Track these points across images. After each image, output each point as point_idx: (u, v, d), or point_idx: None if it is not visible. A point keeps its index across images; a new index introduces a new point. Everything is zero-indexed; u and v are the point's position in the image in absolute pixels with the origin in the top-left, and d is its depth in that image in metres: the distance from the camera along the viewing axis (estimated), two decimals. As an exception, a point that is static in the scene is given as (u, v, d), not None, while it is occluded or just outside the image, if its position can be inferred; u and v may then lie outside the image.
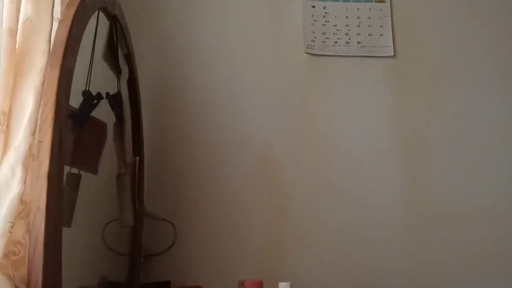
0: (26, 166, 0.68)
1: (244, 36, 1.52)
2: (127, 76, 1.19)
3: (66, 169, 0.89)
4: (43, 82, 0.73)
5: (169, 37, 1.49)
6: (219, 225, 1.40)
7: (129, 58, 1.18)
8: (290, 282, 1.00)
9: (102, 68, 1.05)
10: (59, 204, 0.69)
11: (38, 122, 0.69)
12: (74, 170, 0.89)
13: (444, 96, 1.52)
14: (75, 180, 0.90)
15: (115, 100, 1.03)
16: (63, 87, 0.71)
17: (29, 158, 0.69)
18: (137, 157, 1.28)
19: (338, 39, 1.51)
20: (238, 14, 1.53)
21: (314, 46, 1.50)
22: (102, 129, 1.03)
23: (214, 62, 1.49)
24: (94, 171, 1.00)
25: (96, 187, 1.09)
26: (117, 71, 1.09)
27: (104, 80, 1.06)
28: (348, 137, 1.48)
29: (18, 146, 0.69)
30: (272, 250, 1.40)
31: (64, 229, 0.72)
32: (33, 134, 0.70)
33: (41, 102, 0.69)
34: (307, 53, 1.51)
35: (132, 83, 1.23)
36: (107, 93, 1.02)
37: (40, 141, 0.68)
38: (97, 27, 0.94)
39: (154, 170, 1.39)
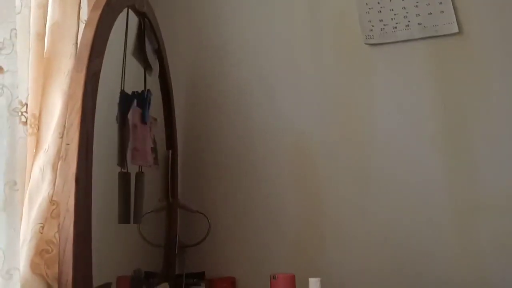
0: (55, 168, 0.70)
1: (283, 28, 1.47)
2: (158, 71, 1.20)
3: (117, 168, 0.94)
4: (70, 84, 0.74)
5: (204, 29, 1.48)
6: (253, 218, 1.40)
7: (160, 53, 1.19)
8: (320, 278, 0.98)
9: (132, 64, 1.07)
10: (88, 205, 0.71)
11: (66, 125, 0.71)
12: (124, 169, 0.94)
13: (500, 80, 1.39)
14: (126, 178, 0.93)
15: (144, 99, 1.03)
16: (89, 90, 0.72)
17: (58, 161, 0.71)
18: (170, 151, 1.29)
19: (397, 23, 1.43)
20: (277, 5, 1.49)
21: (373, 35, 1.42)
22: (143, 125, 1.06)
23: (249, 53, 1.46)
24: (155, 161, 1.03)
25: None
26: (147, 67, 1.10)
27: (134, 77, 1.08)
28: (393, 128, 1.40)
29: (48, 149, 0.71)
30: (307, 243, 1.38)
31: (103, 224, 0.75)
32: (61, 137, 0.71)
33: (68, 107, 0.71)
34: (368, 44, 1.44)
35: (164, 77, 1.24)
36: (134, 92, 1.03)
37: (67, 144, 0.69)
38: (127, 26, 0.95)
39: (188, 163, 1.40)
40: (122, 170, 0.96)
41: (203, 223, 1.35)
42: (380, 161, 1.39)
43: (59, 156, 0.71)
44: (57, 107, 0.74)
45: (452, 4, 1.37)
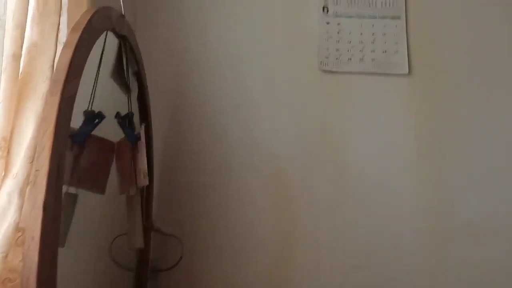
0: (23, 194, 0.68)
1: (259, 50, 1.49)
2: (137, 92, 1.19)
3: (64, 188, 0.90)
4: (44, 107, 0.73)
5: (182, 51, 1.49)
6: (227, 241, 1.39)
7: (139, 75, 1.18)
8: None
9: (112, 87, 1.06)
10: (55, 234, 0.69)
11: (37, 150, 0.69)
12: (72, 190, 0.89)
13: (458, 112, 1.46)
14: (72, 200, 0.90)
15: (126, 120, 1.02)
16: (63, 115, 0.70)
17: (26, 186, 0.69)
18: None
19: (352, 55, 1.48)
20: (253, 28, 1.51)
21: (327, 63, 1.47)
22: (109, 147, 1.03)
23: (227, 76, 1.47)
24: (100, 190, 1.00)
25: (105, 202, 1.09)
26: (127, 90, 1.08)
27: (116, 99, 1.07)
28: (361, 153, 1.44)
29: (16, 174, 0.69)
30: (282, 267, 1.38)
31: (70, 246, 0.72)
32: (31, 162, 0.69)
33: (40, 130, 0.69)
34: (321, 70, 1.48)
35: (142, 99, 1.23)
36: (118, 113, 1.02)
37: (37, 170, 0.67)
38: (104, 48, 0.94)
39: (164, 185, 1.39)
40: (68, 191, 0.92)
41: (177, 246, 1.34)
42: (354, 186, 1.42)
43: (28, 181, 0.69)
44: (29, 130, 0.72)
45: (407, 46, 1.44)
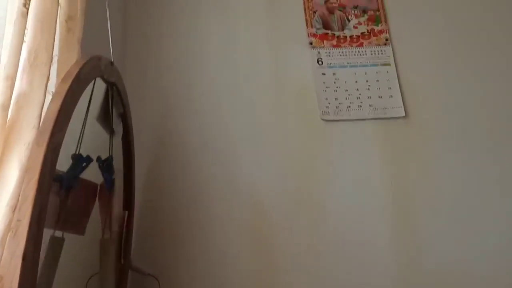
0: (3, 242, 0.69)
1: (245, 96, 1.55)
2: (121, 133, 1.22)
3: (50, 232, 0.91)
4: (29, 156, 0.75)
5: (168, 96, 1.53)
6: (206, 283, 1.39)
7: (125, 117, 1.21)
8: None
9: (95, 129, 1.08)
10: (33, 282, 0.70)
11: (20, 199, 0.71)
12: (58, 233, 0.90)
13: (442, 159, 1.51)
14: (58, 244, 0.91)
15: (106, 165, 1.04)
16: (48, 165, 0.73)
17: (7, 234, 0.70)
18: (127, 212, 1.28)
19: (351, 103, 1.54)
20: (238, 76, 1.57)
21: (329, 112, 1.53)
22: (92, 190, 1.05)
23: (211, 121, 1.52)
24: (81, 232, 1.01)
25: (81, 241, 1.09)
26: (111, 132, 1.11)
27: (97, 142, 1.09)
28: (346, 198, 1.47)
29: (-2, 222, 0.70)
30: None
31: None
32: (13, 210, 0.71)
33: (24, 180, 0.71)
34: (323, 119, 1.53)
35: (126, 140, 1.25)
36: (99, 157, 1.04)
37: (19, 220, 0.69)
38: (92, 94, 0.97)
39: (143, 225, 1.40)
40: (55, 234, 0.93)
41: (155, 286, 1.33)
42: (332, 230, 1.45)
43: (9, 229, 0.70)
44: (13, 179, 0.74)
45: (400, 90, 1.52)
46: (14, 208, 0.71)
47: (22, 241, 0.67)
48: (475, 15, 1.66)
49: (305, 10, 1.67)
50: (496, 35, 1.64)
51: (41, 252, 0.72)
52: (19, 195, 0.72)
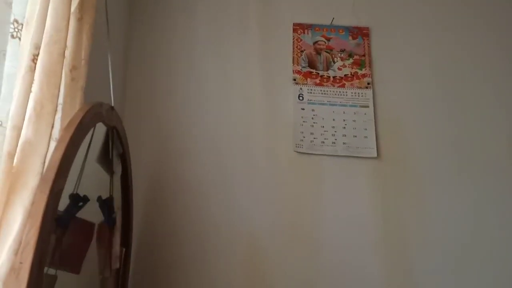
0: (6, 285, 0.73)
1: (238, 134, 1.61)
2: (120, 172, 1.26)
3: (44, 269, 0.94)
4: (32, 202, 0.79)
5: (165, 136, 1.60)
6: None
7: (124, 157, 1.26)
8: None
9: (95, 169, 1.13)
10: (32, 324, 0.73)
11: (22, 243, 0.75)
12: (51, 271, 0.94)
13: (424, 196, 1.57)
14: (51, 282, 0.94)
15: (105, 205, 1.08)
16: (50, 211, 0.77)
17: (9, 278, 0.74)
18: (124, 249, 1.32)
19: (325, 139, 1.60)
20: (232, 114, 1.63)
21: (302, 145, 1.59)
22: (89, 229, 1.08)
23: (207, 157, 1.58)
24: (77, 270, 1.04)
25: (78, 280, 1.12)
26: (111, 173, 1.16)
27: (99, 182, 1.13)
28: (332, 233, 1.53)
29: (1, 265, 0.74)
30: None
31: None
32: (16, 254, 0.75)
33: (27, 225, 0.75)
34: (296, 152, 1.59)
35: (125, 178, 1.30)
36: (99, 197, 1.08)
37: (21, 263, 0.73)
38: (92, 138, 1.02)
39: (141, 262, 1.43)
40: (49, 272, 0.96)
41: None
42: (326, 265, 1.48)
43: (11, 273, 0.74)
44: (17, 223, 0.78)
45: (375, 131, 1.60)
46: (17, 251, 0.75)
47: (24, 283, 0.71)
48: (457, 62, 1.75)
49: (293, 48, 1.75)
50: (473, 77, 1.72)
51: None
52: (21, 239, 0.76)
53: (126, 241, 1.33)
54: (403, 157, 1.62)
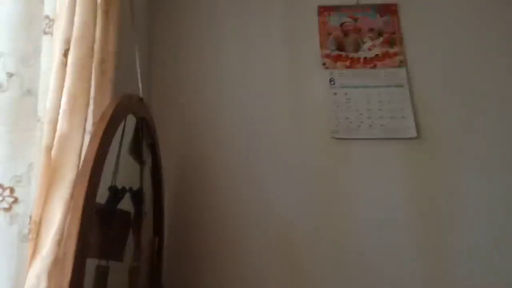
0: (51, 276, 0.75)
1: (268, 120, 1.61)
2: (150, 163, 1.28)
3: (95, 261, 0.97)
4: (72, 194, 0.81)
5: (194, 123, 1.60)
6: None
7: (153, 147, 1.27)
8: None
9: (127, 161, 1.15)
10: (78, 313, 0.75)
11: (65, 234, 0.77)
12: (103, 262, 0.97)
13: (461, 178, 1.53)
14: (104, 272, 0.97)
15: (137, 196, 1.10)
16: (89, 201, 0.79)
17: (54, 268, 0.76)
18: (157, 238, 1.34)
19: (361, 122, 1.58)
20: (261, 100, 1.63)
21: (338, 130, 1.57)
22: (127, 218, 1.11)
23: (238, 142, 1.58)
24: (120, 258, 1.06)
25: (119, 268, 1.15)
26: (141, 163, 1.17)
27: (129, 173, 1.15)
28: (367, 216, 1.51)
29: (45, 256, 0.76)
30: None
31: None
32: (59, 245, 0.77)
33: (68, 216, 0.77)
34: (333, 137, 1.57)
35: (155, 169, 1.32)
36: (130, 188, 1.10)
37: (65, 253, 0.75)
38: (124, 130, 1.03)
39: (174, 250, 1.45)
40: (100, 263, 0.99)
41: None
42: (357, 249, 1.48)
43: (55, 263, 0.76)
44: (58, 215, 0.80)
45: (413, 111, 1.55)
46: (59, 242, 0.77)
47: (68, 273, 0.73)
48: (492, 38, 1.68)
49: (320, 32, 1.72)
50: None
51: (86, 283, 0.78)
52: (63, 230, 0.78)
53: (158, 230, 1.35)
54: (443, 136, 1.57)
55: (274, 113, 1.61)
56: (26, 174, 0.66)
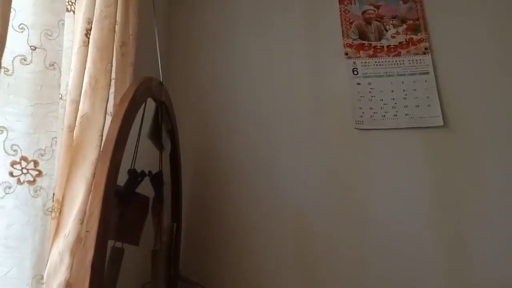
0: (73, 253, 0.76)
1: (288, 108, 1.59)
2: (169, 149, 1.28)
3: (110, 243, 0.97)
4: (94, 174, 0.81)
5: (213, 110, 1.60)
6: (251, 291, 1.43)
7: (172, 133, 1.27)
8: None
9: (146, 145, 1.15)
10: (100, 290, 0.76)
11: (87, 213, 0.77)
12: (118, 244, 0.97)
13: (494, 169, 1.48)
14: (118, 255, 0.97)
15: (156, 179, 1.10)
16: (111, 181, 0.79)
17: (76, 246, 0.76)
18: (175, 224, 1.34)
19: (386, 112, 1.55)
20: (282, 88, 1.61)
21: (363, 121, 1.54)
22: (145, 203, 1.11)
23: (255, 133, 1.57)
24: (136, 242, 1.07)
25: (134, 251, 1.16)
26: (160, 148, 1.17)
27: (148, 157, 1.15)
28: (391, 211, 1.47)
29: (68, 234, 0.76)
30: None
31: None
32: (81, 223, 0.77)
33: (90, 196, 0.77)
34: (357, 129, 1.55)
35: (174, 155, 1.31)
36: (149, 171, 1.10)
37: (87, 231, 0.75)
38: (144, 114, 1.03)
39: (191, 236, 1.45)
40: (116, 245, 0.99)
41: (202, 295, 1.38)
42: (375, 239, 1.45)
43: (78, 241, 0.76)
44: (80, 194, 0.80)
45: (439, 99, 1.50)
46: (82, 221, 0.77)
47: (91, 251, 0.73)
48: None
49: (341, 21, 1.69)
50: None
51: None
52: (85, 209, 0.78)
53: (176, 216, 1.35)
54: (471, 125, 1.51)
55: (295, 105, 1.59)
56: (49, 148, 0.66)
